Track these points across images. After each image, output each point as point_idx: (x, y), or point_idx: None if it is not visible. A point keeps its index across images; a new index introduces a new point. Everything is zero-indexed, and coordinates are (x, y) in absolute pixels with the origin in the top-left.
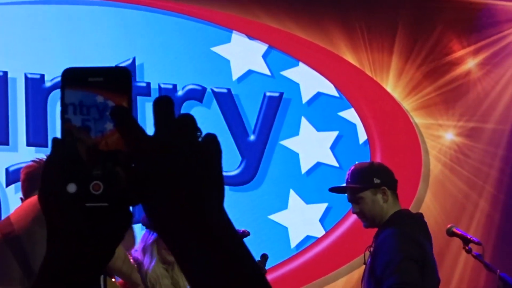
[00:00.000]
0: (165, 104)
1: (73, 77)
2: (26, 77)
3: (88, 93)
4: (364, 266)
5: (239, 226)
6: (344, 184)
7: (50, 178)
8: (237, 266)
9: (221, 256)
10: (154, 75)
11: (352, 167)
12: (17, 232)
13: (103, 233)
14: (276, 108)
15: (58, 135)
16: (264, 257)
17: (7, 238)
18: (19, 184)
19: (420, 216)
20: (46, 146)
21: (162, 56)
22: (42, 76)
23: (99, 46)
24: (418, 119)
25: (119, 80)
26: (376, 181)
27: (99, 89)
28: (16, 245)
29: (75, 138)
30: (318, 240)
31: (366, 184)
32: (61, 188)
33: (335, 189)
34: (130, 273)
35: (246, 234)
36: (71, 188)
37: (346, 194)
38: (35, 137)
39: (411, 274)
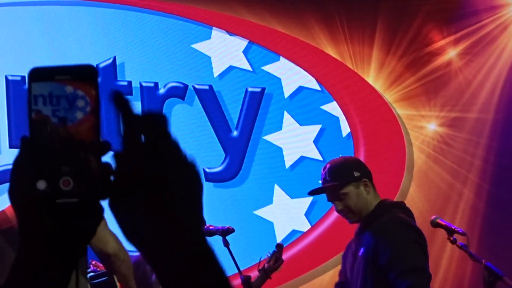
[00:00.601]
0: (126, 103)
1: (39, 75)
2: (6, 79)
3: (56, 85)
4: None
5: (223, 222)
6: (325, 184)
7: (19, 176)
8: (206, 276)
9: (190, 265)
10: (135, 73)
11: (328, 165)
12: (13, 224)
13: (74, 228)
14: (258, 103)
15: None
16: (280, 246)
17: (3, 229)
18: (2, 186)
19: (403, 203)
20: None
21: (143, 55)
22: (23, 77)
23: (80, 46)
24: (401, 111)
25: (85, 75)
26: (357, 174)
27: (67, 82)
28: (13, 237)
29: (44, 132)
30: (304, 234)
31: (347, 179)
32: (31, 186)
33: (315, 192)
34: (130, 279)
35: (230, 230)
36: (41, 185)
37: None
38: (18, 139)
39: (419, 257)
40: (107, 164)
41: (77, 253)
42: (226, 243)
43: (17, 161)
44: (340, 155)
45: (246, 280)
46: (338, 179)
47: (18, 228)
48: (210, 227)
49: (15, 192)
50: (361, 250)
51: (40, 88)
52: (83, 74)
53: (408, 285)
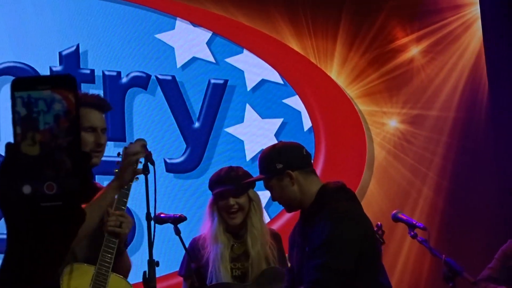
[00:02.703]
0: None
1: (22, 85)
2: None
3: (36, 91)
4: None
5: (184, 213)
6: (256, 176)
7: (5, 180)
8: None
9: None
10: (98, 62)
11: (259, 155)
12: None
13: (57, 230)
14: (220, 95)
15: (3, 120)
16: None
17: None
18: None
19: (343, 184)
20: None
21: (106, 43)
22: None
23: (43, 32)
24: (362, 106)
25: (64, 83)
26: (279, 166)
27: (47, 89)
28: None
29: (36, 130)
30: None
31: (270, 173)
32: (17, 190)
33: (249, 181)
34: None
35: (182, 218)
36: (26, 189)
37: None
38: None
39: (342, 258)
40: (89, 169)
41: (60, 254)
42: (177, 231)
43: (3, 167)
44: (279, 141)
45: (197, 269)
46: (263, 172)
47: (6, 229)
48: (162, 215)
49: (1, 196)
50: (307, 248)
51: (21, 94)
52: (62, 83)
53: (315, 278)
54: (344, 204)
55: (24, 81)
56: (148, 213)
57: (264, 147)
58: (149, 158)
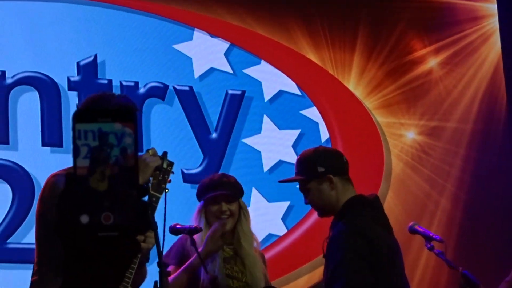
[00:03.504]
0: None
1: (83, 117)
2: None
3: (104, 124)
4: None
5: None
6: (293, 177)
7: (65, 210)
8: None
9: None
10: (116, 72)
11: (298, 156)
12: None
13: (113, 259)
14: (238, 106)
15: (21, 129)
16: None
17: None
18: None
19: (374, 201)
20: (8, 143)
21: (124, 54)
22: (3, 72)
23: (61, 42)
24: (380, 118)
25: (126, 115)
26: (320, 169)
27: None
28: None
29: (89, 170)
30: (280, 238)
31: (311, 175)
32: (75, 220)
33: (285, 180)
34: None
35: (198, 229)
36: (84, 219)
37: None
38: None
39: (359, 274)
40: (145, 203)
41: (114, 281)
42: (193, 242)
43: (63, 196)
44: (319, 145)
45: (212, 280)
46: (302, 173)
47: (64, 257)
48: (177, 226)
49: (61, 225)
50: (325, 258)
51: (84, 126)
52: (125, 115)
53: None
54: (360, 219)
55: (86, 112)
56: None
57: (281, 158)
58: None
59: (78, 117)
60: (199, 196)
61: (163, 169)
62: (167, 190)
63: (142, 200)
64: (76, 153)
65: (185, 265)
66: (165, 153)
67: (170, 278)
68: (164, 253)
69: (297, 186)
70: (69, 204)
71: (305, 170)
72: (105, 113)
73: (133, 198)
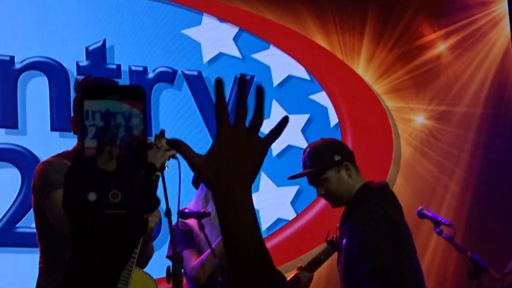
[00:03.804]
0: None
1: (91, 93)
2: None
3: (112, 102)
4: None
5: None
6: (305, 170)
7: (72, 188)
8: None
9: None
10: (124, 57)
11: (307, 149)
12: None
13: (120, 238)
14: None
15: (30, 113)
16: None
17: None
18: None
19: (386, 186)
20: (17, 127)
21: (133, 39)
22: (12, 58)
23: (70, 27)
24: (389, 103)
25: (135, 94)
26: (337, 158)
27: (118, 100)
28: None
29: (99, 147)
30: (289, 222)
31: (328, 164)
32: (82, 197)
33: (295, 176)
34: None
35: (206, 214)
36: (91, 196)
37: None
38: (5, 120)
39: (386, 257)
40: (153, 181)
41: (121, 260)
42: (201, 227)
43: (70, 173)
44: (321, 138)
45: (221, 266)
46: (318, 165)
47: (71, 237)
48: (186, 210)
49: (68, 202)
50: (344, 241)
51: (92, 106)
52: (133, 94)
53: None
54: (381, 203)
55: (94, 89)
56: (167, 209)
57: (290, 143)
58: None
59: (86, 93)
60: None
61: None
62: (166, 168)
63: (150, 179)
64: (84, 134)
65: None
66: (162, 132)
67: (199, 260)
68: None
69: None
70: (76, 183)
71: (321, 160)
72: (114, 89)
73: (141, 178)
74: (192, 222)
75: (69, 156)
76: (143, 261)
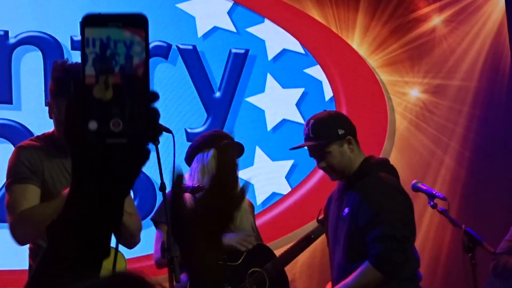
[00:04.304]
0: None
1: (93, 21)
2: None
3: (113, 30)
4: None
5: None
6: (308, 142)
7: (72, 116)
8: None
9: None
10: None
11: (311, 121)
12: None
13: (121, 167)
14: (241, 65)
15: (25, 89)
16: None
17: None
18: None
19: (388, 162)
20: (11, 103)
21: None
22: (6, 32)
23: (64, 2)
24: (384, 76)
25: (137, 22)
26: (341, 131)
27: (121, 28)
28: None
29: (111, 73)
30: (284, 197)
31: (331, 137)
32: (83, 126)
33: (298, 147)
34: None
35: (201, 188)
36: (92, 125)
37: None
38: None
39: (398, 224)
40: (155, 109)
41: (123, 191)
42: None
43: (71, 102)
44: (325, 109)
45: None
46: (322, 138)
47: (71, 164)
48: None
49: (68, 131)
50: (346, 210)
51: (93, 33)
52: (136, 21)
53: (377, 252)
54: (390, 176)
55: (95, 16)
56: (162, 184)
57: (285, 117)
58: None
59: (87, 20)
60: (209, 144)
61: None
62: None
63: (153, 107)
64: (84, 61)
65: None
66: None
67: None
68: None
69: (307, 150)
70: (76, 112)
71: (324, 133)
72: (116, 17)
73: (143, 106)
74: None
75: (45, 139)
76: (123, 238)
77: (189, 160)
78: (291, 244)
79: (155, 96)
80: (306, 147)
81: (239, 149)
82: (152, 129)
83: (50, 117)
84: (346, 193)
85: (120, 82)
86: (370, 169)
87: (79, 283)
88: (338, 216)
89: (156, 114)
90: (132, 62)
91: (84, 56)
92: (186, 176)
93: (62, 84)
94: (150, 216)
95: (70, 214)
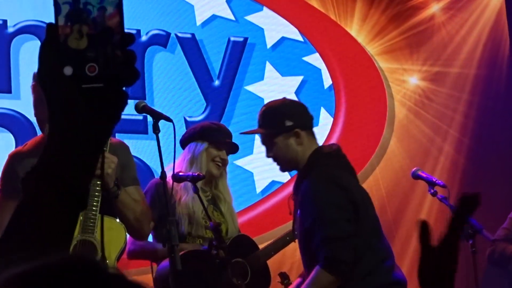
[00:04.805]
0: None
1: None
2: None
3: None
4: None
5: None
6: (256, 129)
7: (46, 61)
8: None
9: None
10: None
11: (263, 108)
12: None
13: (99, 112)
14: (240, 53)
15: (24, 78)
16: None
17: None
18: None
19: (337, 149)
20: (10, 92)
21: (126, 1)
22: (5, 21)
23: None
24: (383, 64)
25: None
26: (288, 123)
27: None
28: None
29: (84, 22)
30: (284, 185)
31: (278, 128)
32: (58, 71)
33: (247, 133)
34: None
35: (201, 177)
36: (68, 70)
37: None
38: None
39: (339, 224)
40: (131, 52)
41: (102, 137)
42: (196, 190)
43: (44, 47)
44: (284, 97)
45: (215, 227)
46: (268, 127)
47: (48, 112)
48: (180, 173)
49: (43, 77)
50: (298, 211)
51: None
52: None
53: (325, 255)
54: (331, 169)
55: None
56: (162, 172)
57: None
58: (162, 117)
59: None
60: (204, 137)
61: None
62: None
63: (128, 50)
64: (57, 11)
65: None
66: None
67: (143, 246)
68: None
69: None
70: (50, 57)
71: (272, 123)
72: None
73: (119, 50)
74: (180, 185)
75: (36, 146)
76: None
77: (183, 145)
78: (275, 238)
79: (130, 39)
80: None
81: (234, 149)
82: (129, 71)
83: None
84: (297, 191)
85: (94, 31)
86: (317, 162)
87: (30, 262)
88: (295, 216)
89: (132, 56)
90: (105, 11)
91: (57, 6)
92: (177, 161)
93: None
94: None
95: (47, 163)
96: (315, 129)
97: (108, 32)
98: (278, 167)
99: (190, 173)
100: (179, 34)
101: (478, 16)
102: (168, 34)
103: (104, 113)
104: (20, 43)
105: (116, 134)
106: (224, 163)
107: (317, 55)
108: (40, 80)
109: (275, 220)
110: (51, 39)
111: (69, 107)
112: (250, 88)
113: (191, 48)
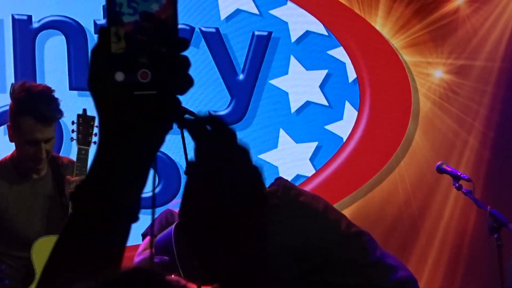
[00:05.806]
0: None
1: None
2: (13, 18)
3: None
4: None
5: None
6: None
7: (97, 66)
8: None
9: None
10: None
11: None
12: None
13: (151, 120)
14: (264, 47)
15: (48, 73)
16: None
17: None
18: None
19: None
20: None
21: None
22: (30, 17)
23: None
24: (407, 57)
25: None
26: None
27: None
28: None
29: (120, 24)
30: (308, 179)
31: None
32: (109, 77)
33: None
34: None
35: None
36: (119, 76)
37: (334, 133)
38: (24, 79)
39: None
40: (185, 58)
41: (154, 146)
42: None
43: (95, 51)
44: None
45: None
46: None
47: (98, 120)
48: None
49: (93, 83)
50: None
51: None
52: None
53: None
54: None
55: None
56: (187, 167)
57: (309, 99)
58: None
59: None
60: None
61: (85, 123)
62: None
63: (182, 55)
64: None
65: None
66: (84, 110)
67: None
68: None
69: (326, 127)
70: (101, 61)
71: None
72: None
73: (172, 56)
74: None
75: (7, 163)
76: None
77: None
78: None
79: (184, 44)
80: None
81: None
82: (182, 78)
83: (11, 141)
84: None
85: (129, 32)
86: None
87: (94, 279)
88: None
89: (185, 62)
90: (152, 9)
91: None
92: None
93: (24, 103)
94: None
95: (97, 174)
96: (340, 123)
97: (157, 31)
98: (302, 161)
99: None
100: (203, 29)
101: (503, 8)
102: (192, 29)
103: (156, 121)
104: (45, 39)
105: None
106: None
107: (341, 48)
108: (91, 87)
109: None
110: (102, 43)
111: (119, 115)
112: (274, 82)
113: (216, 43)
